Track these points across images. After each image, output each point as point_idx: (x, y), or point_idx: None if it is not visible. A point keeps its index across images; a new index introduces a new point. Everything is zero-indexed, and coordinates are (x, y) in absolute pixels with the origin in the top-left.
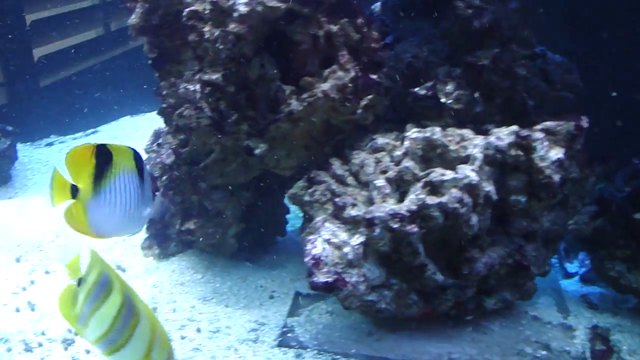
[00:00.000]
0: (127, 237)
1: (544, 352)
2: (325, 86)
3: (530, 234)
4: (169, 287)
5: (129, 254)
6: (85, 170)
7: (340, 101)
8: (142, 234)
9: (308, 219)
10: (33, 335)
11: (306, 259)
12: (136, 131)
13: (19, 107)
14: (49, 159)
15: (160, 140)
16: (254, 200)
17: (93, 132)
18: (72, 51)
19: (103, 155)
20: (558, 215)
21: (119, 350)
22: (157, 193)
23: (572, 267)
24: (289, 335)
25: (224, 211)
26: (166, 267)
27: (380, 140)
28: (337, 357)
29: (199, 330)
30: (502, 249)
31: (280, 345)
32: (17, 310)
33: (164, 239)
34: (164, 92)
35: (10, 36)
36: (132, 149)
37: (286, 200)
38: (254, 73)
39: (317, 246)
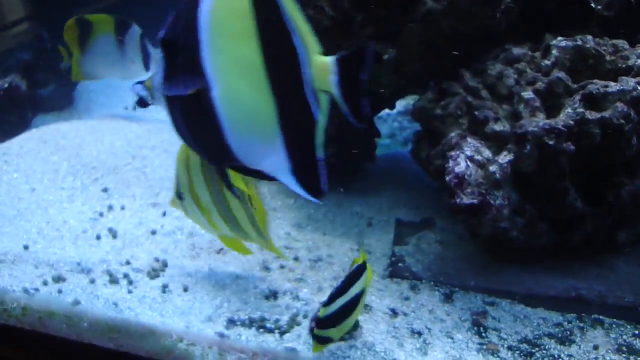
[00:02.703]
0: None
1: None
2: None
3: None
4: None
5: None
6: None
7: (483, 1)
8: None
9: (429, 135)
10: (118, 265)
11: (448, 178)
12: None
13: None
14: (112, 81)
15: None
16: (347, 122)
17: None
18: None
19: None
20: None
21: None
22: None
23: None
24: (400, 265)
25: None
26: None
27: (516, 50)
28: (455, 289)
29: (297, 259)
30: None
31: (392, 276)
32: (98, 238)
33: None
34: None
35: None
36: (116, 17)
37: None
38: None
39: (460, 163)
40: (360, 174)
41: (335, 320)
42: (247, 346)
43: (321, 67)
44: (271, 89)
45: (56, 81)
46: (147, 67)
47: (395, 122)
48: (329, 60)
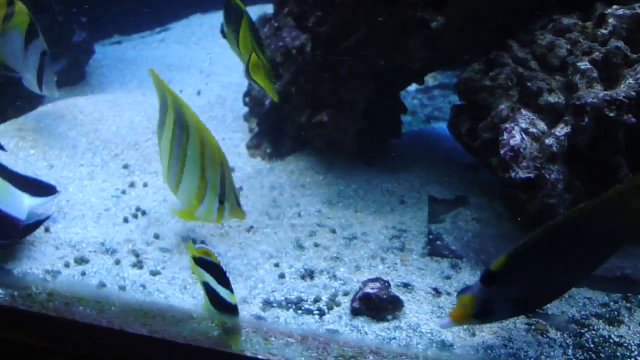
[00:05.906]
0: (227, 138)
1: None
2: None
3: None
4: (289, 190)
5: (231, 154)
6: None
7: None
8: (246, 134)
9: (470, 108)
10: (143, 244)
11: (502, 150)
12: (212, 27)
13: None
14: (125, 55)
15: (272, 24)
16: (375, 96)
17: (163, 30)
18: None
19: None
20: None
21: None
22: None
23: None
24: (438, 243)
25: (358, 103)
26: (282, 167)
27: (566, 20)
28: None
29: (334, 231)
30: None
31: (431, 254)
32: (122, 217)
33: (279, 136)
34: None
35: None
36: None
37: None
38: None
39: (515, 135)
40: (386, 150)
41: None
42: (294, 329)
43: None
44: None
45: (68, 55)
46: (40, 87)
47: (414, 99)
48: None
